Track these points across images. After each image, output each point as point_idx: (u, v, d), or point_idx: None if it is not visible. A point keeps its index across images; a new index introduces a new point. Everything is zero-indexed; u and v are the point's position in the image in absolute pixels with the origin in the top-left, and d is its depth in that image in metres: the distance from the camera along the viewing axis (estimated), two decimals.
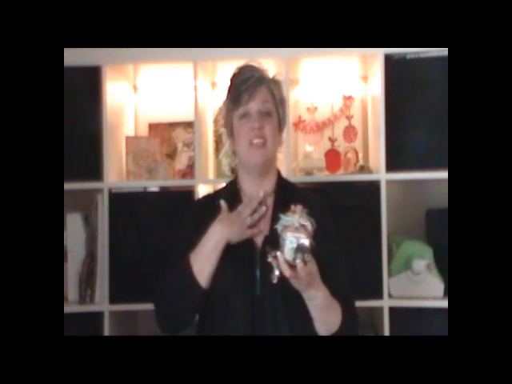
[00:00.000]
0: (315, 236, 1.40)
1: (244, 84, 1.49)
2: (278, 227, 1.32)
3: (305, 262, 1.30)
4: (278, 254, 1.30)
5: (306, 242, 1.29)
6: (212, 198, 1.63)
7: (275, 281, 1.33)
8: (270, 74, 1.55)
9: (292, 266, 1.30)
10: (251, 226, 1.47)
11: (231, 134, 1.56)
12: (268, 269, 1.34)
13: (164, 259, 1.56)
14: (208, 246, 1.43)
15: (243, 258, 1.45)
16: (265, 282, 1.41)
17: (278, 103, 1.53)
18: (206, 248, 1.43)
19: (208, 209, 1.54)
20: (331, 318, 1.43)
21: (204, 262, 1.43)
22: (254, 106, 1.50)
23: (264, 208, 1.49)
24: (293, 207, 1.34)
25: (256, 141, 1.48)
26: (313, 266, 1.35)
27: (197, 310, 1.48)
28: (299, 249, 1.29)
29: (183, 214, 1.58)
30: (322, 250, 1.46)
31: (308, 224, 1.31)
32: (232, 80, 1.54)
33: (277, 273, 1.33)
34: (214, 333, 1.45)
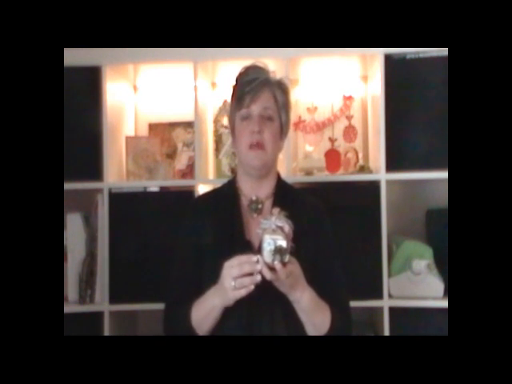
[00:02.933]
0: (311, 238, 1.41)
1: (248, 85, 1.49)
2: (259, 231, 1.33)
3: (283, 264, 1.30)
4: (258, 257, 1.31)
5: (283, 243, 1.29)
6: (211, 197, 1.63)
7: (253, 286, 1.34)
8: (277, 76, 1.55)
9: (272, 269, 1.30)
10: (240, 288, 1.33)
11: (233, 132, 1.56)
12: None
13: (164, 259, 1.56)
14: (206, 308, 1.43)
15: None
16: (261, 283, 1.41)
17: (280, 108, 1.53)
18: (204, 309, 1.43)
19: (207, 208, 1.54)
20: (320, 321, 1.44)
21: (202, 319, 1.44)
22: (255, 109, 1.49)
23: (259, 277, 1.32)
24: (273, 210, 1.34)
25: (254, 144, 1.48)
26: (295, 268, 1.35)
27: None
28: (277, 250, 1.29)
29: (183, 213, 1.58)
30: (316, 251, 1.47)
31: (285, 225, 1.31)
32: (237, 79, 1.54)
33: (258, 278, 1.32)
34: (212, 333, 1.45)
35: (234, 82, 1.55)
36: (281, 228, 1.30)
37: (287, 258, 1.30)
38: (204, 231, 1.49)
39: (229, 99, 1.58)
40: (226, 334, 1.43)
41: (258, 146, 1.48)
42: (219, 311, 1.41)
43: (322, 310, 1.44)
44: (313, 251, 1.47)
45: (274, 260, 1.30)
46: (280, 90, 1.54)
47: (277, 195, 1.54)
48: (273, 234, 1.30)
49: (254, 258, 1.32)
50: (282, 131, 1.55)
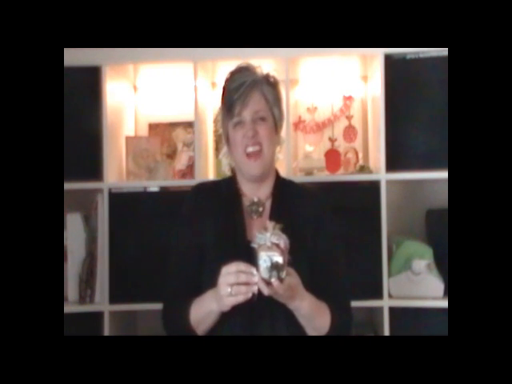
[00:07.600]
0: (311, 232, 1.40)
1: (236, 92, 1.48)
2: (255, 245, 1.31)
3: (280, 280, 1.28)
4: (254, 272, 1.29)
5: (279, 259, 1.28)
6: (211, 191, 1.60)
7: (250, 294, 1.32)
8: (264, 71, 1.53)
9: (269, 284, 1.29)
10: (236, 294, 1.32)
11: (227, 140, 1.55)
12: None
13: (164, 259, 1.56)
14: (203, 312, 1.43)
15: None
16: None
17: (272, 106, 1.51)
18: (201, 312, 1.43)
19: (208, 207, 1.53)
20: (320, 324, 1.44)
21: (200, 321, 1.44)
22: (247, 114, 1.48)
23: (255, 288, 1.30)
24: (267, 223, 1.32)
25: (250, 149, 1.48)
26: (292, 279, 1.33)
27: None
28: (273, 267, 1.28)
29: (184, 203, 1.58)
30: (318, 248, 1.47)
31: (280, 242, 1.29)
32: (225, 87, 1.53)
33: (255, 288, 1.30)
34: (212, 333, 1.45)
35: (222, 89, 1.54)
36: (276, 245, 1.29)
37: (284, 273, 1.29)
38: (204, 230, 1.49)
39: None
40: (227, 334, 1.42)
41: (255, 153, 1.47)
42: (216, 316, 1.41)
43: (321, 314, 1.43)
44: (313, 245, 1.47)
45: (270, 277, 1.28)
46: (268, 85, 1.51)
47: (275, 195, 1.54)
48: (268, 251, 1.28)
49: (253, 269, 1.30)
50: (277, 126, 1.54)
